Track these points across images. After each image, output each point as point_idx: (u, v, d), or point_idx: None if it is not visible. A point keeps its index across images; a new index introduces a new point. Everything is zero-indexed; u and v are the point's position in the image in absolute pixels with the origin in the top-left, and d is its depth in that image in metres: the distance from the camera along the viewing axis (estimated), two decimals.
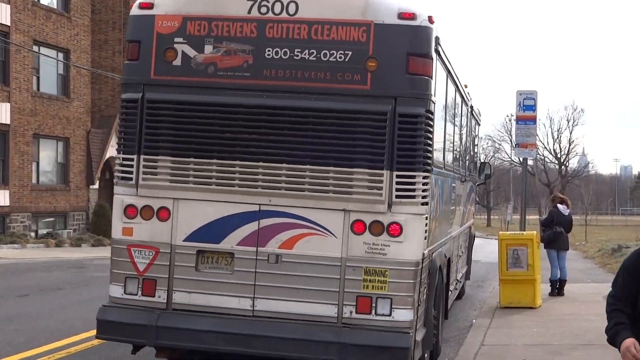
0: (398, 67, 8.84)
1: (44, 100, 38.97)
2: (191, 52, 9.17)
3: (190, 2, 9.29)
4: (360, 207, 8.88)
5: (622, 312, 5.60)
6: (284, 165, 8.99)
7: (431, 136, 9.07)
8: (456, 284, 15.55)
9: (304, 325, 8.90)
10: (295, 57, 8.96)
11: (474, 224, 21.08)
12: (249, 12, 9.06)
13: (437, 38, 9.22)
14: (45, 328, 13.72)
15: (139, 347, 9.67)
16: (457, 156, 14.20)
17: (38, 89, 38.92)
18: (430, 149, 9.10)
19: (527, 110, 21.63)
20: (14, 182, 37.06)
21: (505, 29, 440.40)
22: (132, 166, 9.31)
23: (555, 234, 18.19)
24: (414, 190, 8.85)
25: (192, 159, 9.18)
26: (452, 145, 12.91)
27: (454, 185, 13.10)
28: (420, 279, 9.15)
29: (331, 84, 8.90)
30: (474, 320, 15.32)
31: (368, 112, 8.83)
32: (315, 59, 8.92)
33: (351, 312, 8.87)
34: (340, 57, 8.89)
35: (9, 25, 36.54)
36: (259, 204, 9.06)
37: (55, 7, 40.32)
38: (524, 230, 19.96)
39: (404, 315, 8.83)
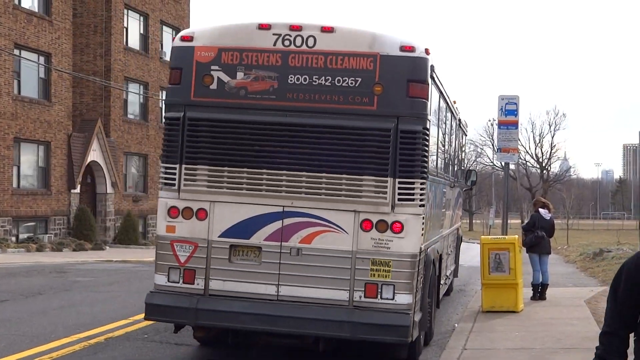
0: (400, 91, 10.56)
1: (24, 104, 38.77)
2: (225, 78, 10.86)
3: (224, 35, 11.00)
4: (368, 209, 10.62)
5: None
6: (304, 173, 10.72)
7: (427, 149, 10.84)
8: (446, 279, 17.13)
9: (321, 307, 10.62)
10: (313, 83, 10.68)
11: (461, 226, 22.40)
12: (274, 44, 10.76)
13: (432, 66, 10.95)
14: (26, 333, 13.61)
15: (180, 326, 11.85)
16: (447, 164, 15.84)
17: (19, 93, 38.72)
18: (426, 159, 10.84)
19: (509, 115, 21.66)
20: None
21: (489, 34, 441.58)
22: (174, 174, 11.00)
23: (537, 238, 18.22)
24: (413, 194, 10.60)
25: (226, 168, 10.90)
26: (443, 154, 14.67)
27: (444, 190, 14.89)
28: (418, 269, 10.79)
29: (344, 105, 10.63)
30: (456, 325, 15.33)
31: (374, 129, 10.58)
32: (330, 84, 10.64)
33: (360, 297, 10.58)
34: (351, 83, 10.61)
35: None
36: (283, 206, 10.78)
37: (36, 10, 40.11)
38: (506, 235, 19.99)
39: (404, 299, 10.55)
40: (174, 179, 10.99)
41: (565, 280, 24.02)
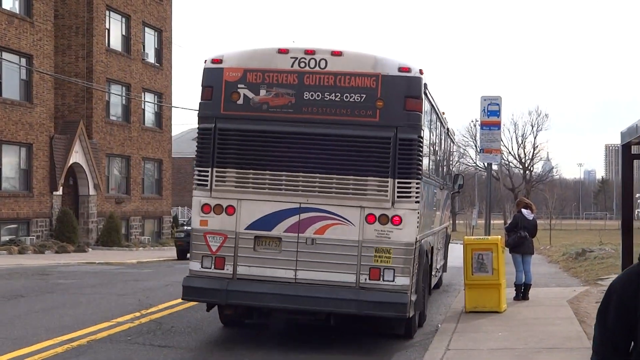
0: (398, 105, 12.56)
1: (6, 105, 38.58)
2: (250, 95, 12.81)
3: (249, 58, 12.95)
4: (371, 204, 12.58)
5: None
6: (317, 175, 12.67)
7: (421, 154, 12.85)
8: (436, 271, 18.84)
9: (332, 288, 12.55)
10: (325, 98, 12.64)
11: (449, 226, 24.18)
12: (292, 66, 12.71)
13: (425, 84, 12.96)
14: (8, 336, 13.55)
15: (211, 305, 13.76)
16: (437, 168, 17.82)
17: (0, 95, 38.51)
18: (421, 163, 12.83)
19: (491, 115, 21.71)
20: None
21: (471, 34, 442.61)
22: (207, 176, 12.89)
23: (520, 238, 18.24)
24: (410, 192, 12.58)
25: (251, 171, 12.83)
26: (434, 159, 16.74)
27: (435, 191, 16.83)
28: (414, 256, 12.75)
29: (351, 117, 12.58)
30: (439, 325, 15.34)
31: (377, 137, 12.56)
32: (339, 99, 12.60)
33: (365, 279, 12.54)
34: (357, 99, 12.57)
35: None
36: (299, 203, 12.71)
37: (17, 11, 39.90)
38: (489, 235, 20.03)
39: (402, 281, 12.52)
40: (207, 181, 12.92)
41: (548, 280, 24.08)
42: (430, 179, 15.29)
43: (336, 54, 12.70)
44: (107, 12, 47.35)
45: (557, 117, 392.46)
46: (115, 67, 47.74)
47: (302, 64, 12.70)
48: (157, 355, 12.36)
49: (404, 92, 12.57)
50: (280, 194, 12.73)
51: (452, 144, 23.95)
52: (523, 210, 18.69)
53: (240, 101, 12.80)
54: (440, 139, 18.10)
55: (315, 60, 12.69)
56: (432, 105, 14.85)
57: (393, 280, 12.48)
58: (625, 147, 12.43)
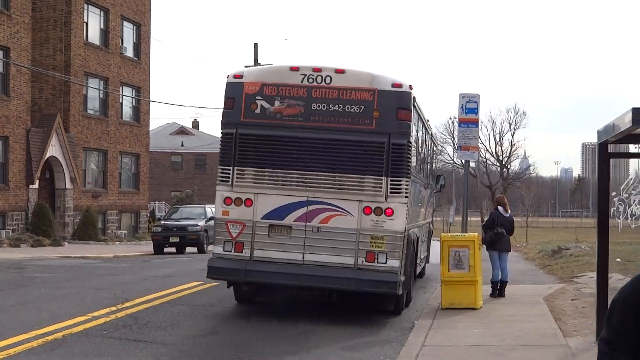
0: (392, 115, 14.75)
1: None
2: (266, 105, 15.00)
3: (265, 74, 15.39)
4: (368, 199, 14.74)
5: None
6: (322, 173, 14.86)
7: (410, 156, 15.05)
8: (420, 260, 20.87)
9: (334, 268, 14.70)
10: (330, 109, 14.86)
11: (432, 221, 26.22)
12: (302, 81, 14.94)
13: (414, 97, 15.25)
14: None
15: (231, 283, 15.95)
16: (422, 169, 20.06)
17: None
18: (410, 164, 15.01)
19: (469, 113, 21.75)
20: None
21: (449, 31, 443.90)
22: (229, 174, 15.08)
23: (497, 235, 18.30)
24: (400, 189, 14.76)
25: (266, 169, 15.02)
26: (421, 161, 19.23)
27: (420, 189, 19.16)
28: (403, 243, 14.91)
29: (352, 125, 14.79)
30: (415, 321, 15.37)
31: (373, 142, 14.75)
32: (342, 110, 14.83)
33: (362, 261, 14.70)
34: (357, 110, 14.79)
35: None
36: (307, 197, 14.88)
37: None
38: (466, 232, 20.07)
39: (394, 263, 14.70)
40: (229, 177, 15.08)
41: (524, 277, 24.15)
42: (417, 178, 17.38)
43: (339, 71, 14.93)
44: (86, 6, 47.13)
45: (534, 115, 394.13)
46: (93, 61, 47.52)
47: (311, 80, 14.90)
48: (133, 350, 12.32)
49: (396, 104, 14.77)
50: (290, 189, 14.90)
51: (435, 148, 27.40)
52: (499, 207, 18.76)
53: (258, 110, 14.97)
54: (426, 144, 20.70)
55: (322, 77, 14.90)
56: (419, 115, 17.27)
57: (386, 262, 14.61)
58: (602, 145, 12.49)
